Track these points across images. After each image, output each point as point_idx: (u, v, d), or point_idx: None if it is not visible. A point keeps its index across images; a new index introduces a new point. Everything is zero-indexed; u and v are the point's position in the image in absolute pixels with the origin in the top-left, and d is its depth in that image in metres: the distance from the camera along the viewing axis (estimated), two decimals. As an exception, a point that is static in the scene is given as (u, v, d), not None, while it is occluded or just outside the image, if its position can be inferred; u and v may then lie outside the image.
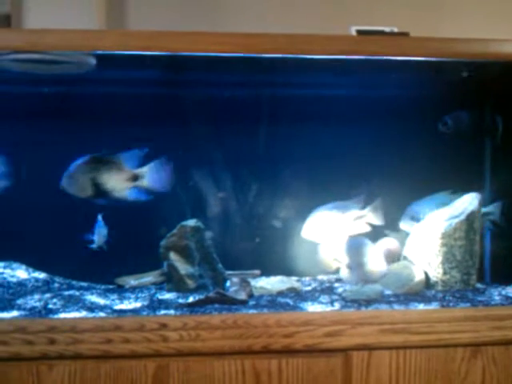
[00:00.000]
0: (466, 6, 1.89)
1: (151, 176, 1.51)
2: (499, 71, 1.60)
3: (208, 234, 1.66)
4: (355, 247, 1.61)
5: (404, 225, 1.75)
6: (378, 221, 1.73)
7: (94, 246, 1.60)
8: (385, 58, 1.42)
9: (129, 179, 1.49)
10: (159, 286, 1.63)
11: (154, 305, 1.44)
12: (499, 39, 1.43)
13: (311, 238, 1.70)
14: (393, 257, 1.69)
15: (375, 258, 1.60)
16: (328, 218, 1.69)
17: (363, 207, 1.72)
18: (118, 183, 1.48)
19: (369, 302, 1.44)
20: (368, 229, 1.71)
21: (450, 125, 1.76)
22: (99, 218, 1.61)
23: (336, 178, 1.74)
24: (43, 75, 1.50)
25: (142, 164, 1.53)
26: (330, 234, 1.69)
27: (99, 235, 1.60)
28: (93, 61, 1.45)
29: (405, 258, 1.67)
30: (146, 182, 1.50)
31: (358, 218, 1.71)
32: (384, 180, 1.74)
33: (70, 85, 1.64)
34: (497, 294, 1.55)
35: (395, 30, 1.51)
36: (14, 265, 1.67)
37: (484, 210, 1.71)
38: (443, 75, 1.65)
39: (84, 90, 1.66)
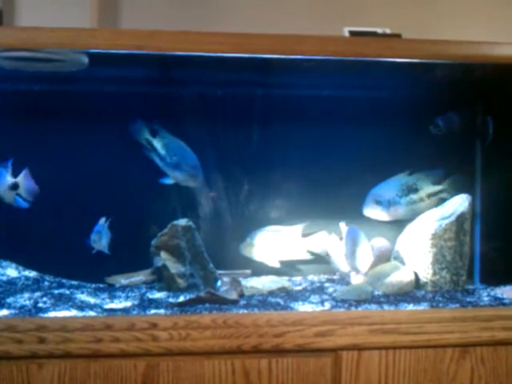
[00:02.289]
0: (459, 7, 1.90)
1: (25, 184, 1.56)
2: (490, 73, 1.61)
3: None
4: (351, 236, 1.61)
5: (368, 211, 1.74)
6: (318, 250, 1.75)
7: (94, 251, 1.62)
8: (377, 59, 1.43)
9: (12, 187, 1.56)
10: (150, 285, 1.63)
11: (145, 304, 1.44)
12: (490, 42, 1.44)
13: (248, 255, 1.73)
14: (383, 257, 1.70)
15: (366, 250, 1.60)
16: (267, 240, 1.72)
17: (307, 235, 1.74)
18: (5, 191, 1.56)
19: (359, 302, 1.45)
20: (308, 256, 1.74)
21: (441, 127, 1.77)
22: (100, 222, 1.62)
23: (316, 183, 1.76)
24: (34, 73, 1.50)
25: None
26: (268, 255, 1.72)
27: (99, 239, 1.60)
28: (85, 59, 1.45)
29: (395, 258, 1.68)
30: (22, 190, 1.57)
31: (298, 244, 1.73)
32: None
33: (62, 83, 1.64)
34: (486, 294, 1.56)
35: (387, 31, 1.52)
36: (4, 263, 1.66)
37: (434, 188, 1.73)
38: (434, 77, 1.66)
39: (76, 88, 1.67)
